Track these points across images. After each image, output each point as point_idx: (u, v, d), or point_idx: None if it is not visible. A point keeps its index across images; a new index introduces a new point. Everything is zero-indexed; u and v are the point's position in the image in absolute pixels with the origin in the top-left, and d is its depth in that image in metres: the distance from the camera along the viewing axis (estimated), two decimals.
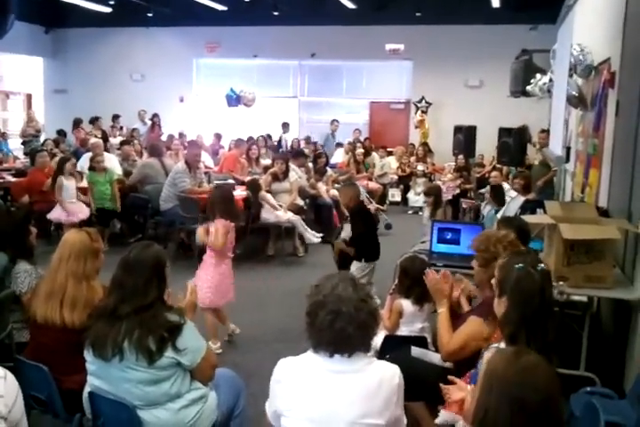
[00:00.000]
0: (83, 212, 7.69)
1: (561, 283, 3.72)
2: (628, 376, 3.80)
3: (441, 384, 2.61)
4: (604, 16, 5.83)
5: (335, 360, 2.16)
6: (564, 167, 8.26)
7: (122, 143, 10.60)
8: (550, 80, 8.18)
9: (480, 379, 2.00)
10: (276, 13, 13.77)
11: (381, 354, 3.54)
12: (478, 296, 3.36)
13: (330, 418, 2.12)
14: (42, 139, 13.38)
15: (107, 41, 15.79)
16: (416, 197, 11.68)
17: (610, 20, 5.43)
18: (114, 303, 2.66)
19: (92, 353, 2.64)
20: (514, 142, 8.35)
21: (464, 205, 9.36)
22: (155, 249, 2.79)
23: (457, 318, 3.27)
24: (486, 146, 11.38)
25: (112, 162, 9.05)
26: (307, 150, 11.46)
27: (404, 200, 12.44)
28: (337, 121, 14.16)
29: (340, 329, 2.11)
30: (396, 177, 12.69)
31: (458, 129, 11.43)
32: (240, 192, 8.17)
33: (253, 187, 7.94)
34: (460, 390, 2.53)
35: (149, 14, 14.43)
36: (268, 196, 7.97)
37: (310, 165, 9.84)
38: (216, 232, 4.75)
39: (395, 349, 3.56)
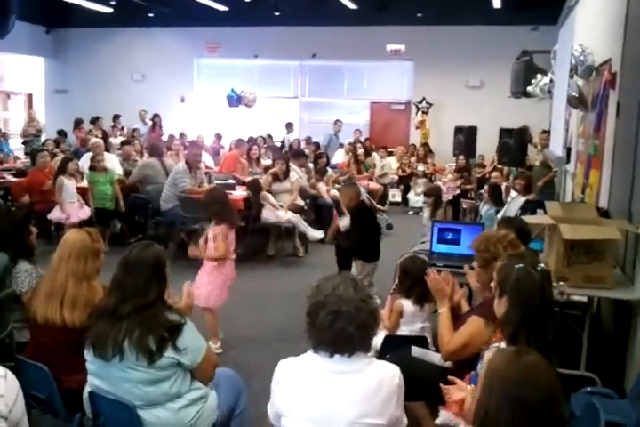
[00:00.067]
0: (83, 211, 7.69)
1: (561, 283, 3.72)
2: (629, 376, 3.80)
3: (441, 384, 2.61)
4: (604, 17, 5.84)
5: (335, 360, 2.16)
6: (564, 168, 8.26)
7: (122, 143, 10.61)
8: (551, 81, 8.19)
9: (481, 379, 2.00)
10: (276, 14, 13.77)
11: (382, 354, 3.54)
12: (479, 296, 3.35)
13: (330, 418, 2.12)
14: (43, 139, 13.38)
15: (108, 41, 15.80)
16: (416, 198, 11.68)
17: (611, 21, 5.43)
18: (114, 303, 2.66)
19: (93, 353, 2.65)
20: (514, 143, 8.35)
21: (464, 206, 9.37)
22: (155, 249, 2.80)
23: (457, 318, 3.27)
24: (487, 146, 11.38)
25: (113, 162, 9.05)
26: (307, 151, 11.47)
27: (405, 201, 12.43)
28: (340, 121, 14.15)
29: (340, 329, 2.11)
30: (396, 177, 12.68)
31: (458, 130, 11.43)
32: (240, 192, 8.18)
33: (254, 187, 7.95)
34: (461, 391, 2.53)
35: (150, 14, 14.44)
36: (270, 196, 7.98)
37: (311, 165, 9.84)
38: (215, 240, 4.76)
39: (395, 349, 3.56)
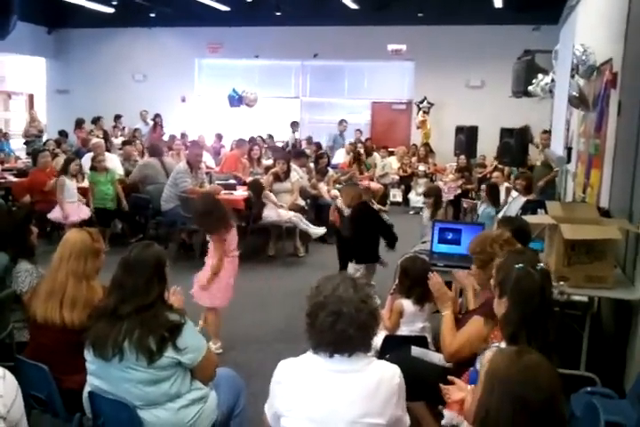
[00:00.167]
0: (83, 212, 7.70)
1: (562, 283, 3.72)
2: (629, 376, 3.79)
3: (441, 385, 2.61)
4: (606, 17, 5.83)
5: (335, 360, 2.16)
6: (565, 168, 8.25)
7: (124, 143, 10.62)
8: (552, 80, 8.19)
9: (482, 378, 2.00)
10: (278, 14, 13.78)
11: (382, 354, 3.54)
12: (480, 297, 3.35)
13: (330, 418, 2.12)
14: (44, 139, 13.40)
15: (109, 41, 15.81)
16: (417, 198, 11.67)
17: (612, 20, 5.43)
18: (114, 303, 2.66)
19: (93, 353, 2.65)
20: (515, 143, 8.33)
21: (465, 205, 9.36)
22: (155, 249, 2.80)
23: (458, 320, 3.27)
24: (488, 146, 11.37)
25: (114, 162, 9.06)
26: (308, 151, 11.46)
27: (406, 200, 12.43)
28: (345, 121, 14.12)
29: (340, 331, 2.11)
30: (397, 177, 12.68)
31: (459, 129, 11.43)
32: (241, 192, 8.18)
33: (255, 187, 7.95)
34: (460, 391, 2.53)
35: (152, 15, 14.45)
36: (272, 195, 7.98)
37: (312, 165, 9.84)
38: (213, 247, 4.81)
39: (395, 349, 3.56)
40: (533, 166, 9.66)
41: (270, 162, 9.95)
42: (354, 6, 13.40)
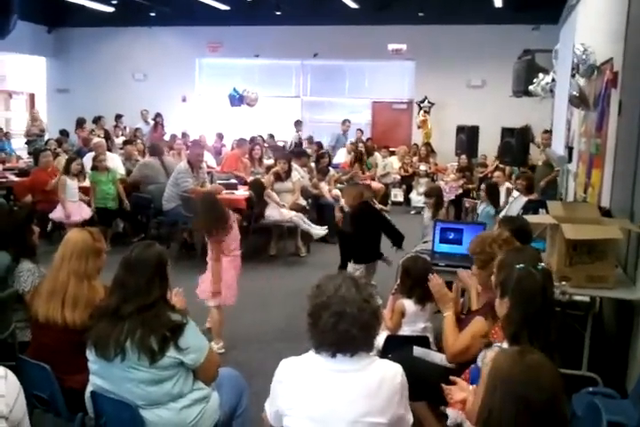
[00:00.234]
0: (84, 211, 7.70)
1: (563, 283, 3.71)
2: (631, 376, 3.79)
3: (443, 385, 2.61)
4: (606, 16, 5.83)
5: (337, 360, 2.16)
6: (566, 167, 8.25)
7: (125, 143, 10.62)
8: (553, 80, 8.19)
9: (484, 378, 2.00)
10: (278, 13, 13.78)
11: (383, 354, 3.54)
12: (481, 298, 3.35)
13: (331, 417, 2.12)
14: (46, 138, 13.39)
15: (109, 40, 15.81)
16: (418, 197, 11.65)
17: (612, 20, 5.43)
18: (116, 303, 2.66)
19: (95, 353, 2.65)
20: (516, 142, 8.34)
21: (467, 205, 9.36)
22: (156, 248, 2.80)
23: (461, 321, 3.27)
24: (489, 146, 11.38)
25: (115, 161, 9.06)
26: (309, 150, 11.46)
27: (407, 200, 12.43)
28: (348, 121, 14.07)
29: (343, 331, 2.11)
30: (398, 177, 12.68)
31: (460, 129, 11.43)
32: (242, 192, 8.18)
33: (257, 187, 7.95)
34: (462, 391, 2.53)
35: (152, 14, 14.45)
36: (274, 194, 7.98)
37: (313, 164, 9.84)
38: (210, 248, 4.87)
39: (397, 349, 3.57)
40: (535, 166, 9.66)
41: (271, 161, 9.95)
42: (354, 6, 13.40)
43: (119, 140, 12.46)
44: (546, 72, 8.85)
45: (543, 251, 4.22)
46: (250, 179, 8.83)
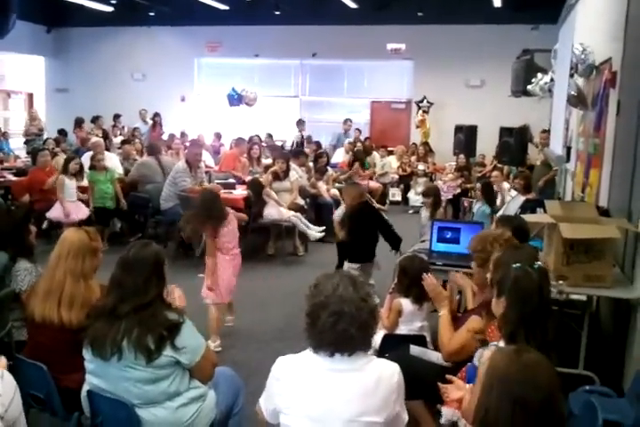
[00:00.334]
0: (82, 211, 7.69)
1: (560, 282, 3.72)
2: (627, 375, 3.80)
3: (439, 383, 2.61)
4: (605, 16, 5.83)
5: (335, 359, 2.16)
6: (564, 167, 8.26)
7: (123, 142, 10.61)
8: (551, 80, 8.19)
9: (481, 377, 2.00)
10: (277, 13, 13.78)
11: (380, 353, 3.54)
12: (478, 296, 3.36)
13: (328, 416, 2.12)
14: (44, 138, 13.39)
15: (108, 40, 15.81)
16: (417, 197, 11.66)
17: (611, 20, 5.43)
18: (113, 302, 2.66)
19: (91, 352, 2.65)
20: (515, 142, 8.35)
21: (465, 204, 9.37)
22: (153, 248, 2.79)
23: (457, 319, 3.28)
24: (487, 145, 11.39)
25: (113, 161, 9.06)
26: (307, 150, 11.45)
27: (405, 200, 12.43)
28: (350, 120, 14.07)
29: (342, 330, 2.11)
30: (396, 176, 12.69)
31: (459, 128, 11.44)
32: (240, 191, 8.18)
33: (255, 186, 7.94)
34: (459, 389, 2.53)
35: (151, 13, 14.46)
36: (273, 193, 7.98)
37: (311, 164, 9.84)
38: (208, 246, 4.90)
39: (394, 347, 3.57)
40: (533, 166, 9.67)
41: (270, 161, 9.95)
42: (353, 5, 13.40)
43: (117, 140, 12.45)
44: (544, 72, 8.86)
45: (541, 250, 4.22)
46: (248, 178, 8.83)
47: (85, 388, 2.75)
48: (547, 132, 9.53)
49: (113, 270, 2.74)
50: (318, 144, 13.02)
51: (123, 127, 14.16)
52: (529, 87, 9.09)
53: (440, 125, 13.84)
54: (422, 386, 2.92)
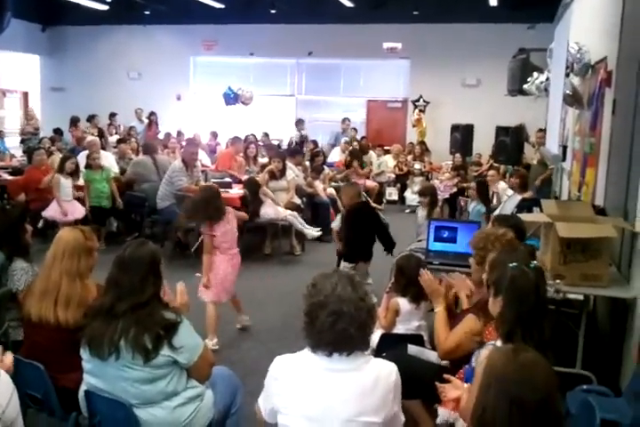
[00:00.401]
0: (78, 211, 7.67)
1: (557, 281, 3.73)
2: (625, 374, 3.81)
3: (437, 383, 2.61)
4: (600, 15, 5.84)
5: (334, 359, 2.16)
6: (560, 166, 8.27)
7: (118, 141, 10.59)
8: (547, 79, 8.19)
9: (478, 376, 2.00)
10: (273, 11, 13.76)
11: (378, 352, 3.54)
12: (475, 294, 3.36)
13: (325, 416, 2.12)
14: (40, 137, 13.35)
15: (103, 39, 15.77)
16: (413, 196, 11.64)
17: (607, 19, 5.44)
18: (110, 302, 2.65)
19: (89, 352, 2.64)
20: (511, 141, 8.36)
21: (462, 203, 9.38)
22: (149, 247, 2.79)
23: (454, 317, 3.28)
24: (483, 145, 11.40)
25: (109, 160, 9.03)
26: (306, 149, 11.44)
27: (402, 199, 12.44)
28: (348, 119, 14.05)
29: (341, 330, 2.11)
30: (393, 176, 12.69)
31: (455, 128, 11.44)
32: (237, 190, 8.17)
33: (252, 185, 7.93)
34: (456, 389, 2.53)
35: (146, 12, 14.42)
36: (270, 191, 7.97)
37: (307, 163, 9.83)
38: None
39: (391, 347, 3.56)
40: (529, 165, 9.68)
41: (266, 160, 9.94)
42: (349, 4, 13.39)
43: (113, 139, 12.43)
44: (540, 71, 8.86)
45: (538, 249, 4.23)
46: (244, 177, 8.82)
47: (83, 388, 2.75)
48: (543, 131, 9.53)
49: (110, 270, 2.73)
50: (315, 143, 13.01)
51: (118, 126, 14.13)
52: (525, 86, 9.10)
53: (436, 124, 13.84)
54: (420, 385, 2.92)
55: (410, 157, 13.08)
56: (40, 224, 7.84)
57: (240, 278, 5.24)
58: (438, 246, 4.81)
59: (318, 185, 9.33)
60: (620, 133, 4.62)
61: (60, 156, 8.84)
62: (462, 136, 11.07)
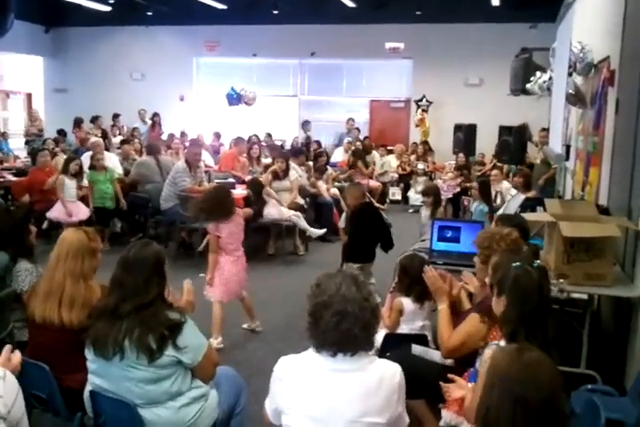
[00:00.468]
0: (82, 212, 7.69)
1: (561, 281, 3.72)
2: (629, 374, 3.80)
3: (441, 383, 2.61)
4: (603, 14, 5.83)
5: (338, 359, 2.16)
6: (564, 165, 8.26)
7: (122, 142, 10.61)
8: (550, 78, 8.18)
9: (483, 375, 2.00)
10: (275, 12, 13.77)
11: (382, 352, 3.54)
12: (479, 293, 3.36)
13: (330, 416, 2.12)
14: (44, 138, 13.38)
15: (106, 40, 15.79)
16: (417, 196, 11.64)
17: (609, 18, 5.43)
18: (114, 302, 2.66)
19: (93, 352, 2.65)
20: (514, 141, 8.35)
21: (465, 203, 9.38)
22: (153, 247, 2.80)
23: (457, 315, 3.27)
24: (486, 144, 11.39)
25: (112, 161, 9.06)
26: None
27: (405, 199, 12.44)
28: (352, 120, 14.05)
29: (346, 330, 2.11)
30: (396, 176, 12.69)
31: (458, 127, 11.43)
32: (240, 191, 8.17)
33: (255, 186, 7.94)
34: (460, 388, 2.53)
35: (149, 13, 14.44)
36: (273, 192, 7.97)
37: (310, 163, 9.83)
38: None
39: (395, 347, 3.56)
40: (532, 164, 9.67)
41: (269, 160, 9.95)
42: (351, 4, 13.39)
43: (116, 140, 12.44)
44: (543, 70, 8.84)
45: (541, 248, 4.23)
46: (247, 178, 8.83)
47: (88, 388, 2.76)
48: (546, 130, 9.52)
49: (114, 270, 2.74)
50: (318, 143, 13.02)
51: (122, 127, 14.16)
52: (528, 86, 9.08)
53: (439, 124, 13.83)
54: (424, 385, 2.91)
55: (413, 157, 13.08)
56: (45, 225, 7.86)
57: None
58: (442, 246, 4.80)
59: (321, 185, 9.33)
60: (623, 133, 4.61)
61: (64, 157, 8.86)
62: (465, 136, 11.06)
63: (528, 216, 4.42)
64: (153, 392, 2.64)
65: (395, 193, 12.62)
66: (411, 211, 11.46)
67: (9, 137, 13.57)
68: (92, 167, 8.16)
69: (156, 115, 14.41)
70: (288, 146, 13.44)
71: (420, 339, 3.77)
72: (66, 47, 16.24)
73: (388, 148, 13.49)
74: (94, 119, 13.27)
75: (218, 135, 13.63)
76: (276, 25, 14.26)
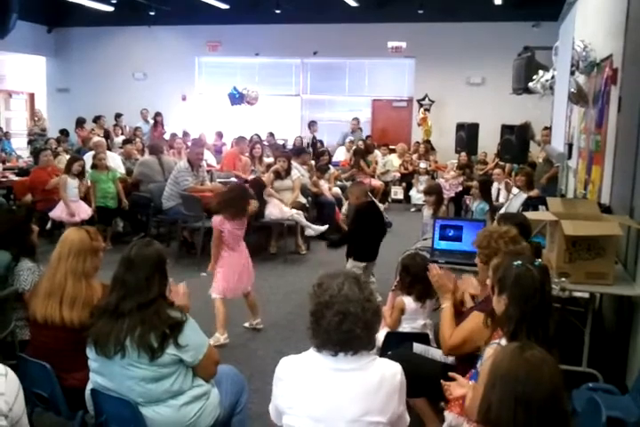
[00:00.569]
0: (84, 211, 7.69)
1: (563, 279, 3.72)
2: (631, 372, 3.80)
3: (442, 381, 2.61)
4: (605, 13, 5.82)
5: (339, 359, 2.16)
6: (566, 164, 8.25)
7: (124, 142, 10.62)
8: (552, 77, 8.17)
9: (484, 374, 1.99)
10: (277, 11, 13.76)
11: (383, 351, 3.54)
12: (481, 293, 3.36)
13: (331, 416, 2.12)
14: (46, 138, 13.40)
15: (109, 40, 15.81)
16: (419, 195, 11.63)
17: (612, 16, 5.42)
18: (116, 301, 2.67)
19: (95, 350, 2.65)
20: (516, 139, 8.31)
21: (467, 202, 9.37)
22: (155, 246, 2.80)
23: (460, 314, 3.27)
24: (489, 143, 11.37)
25: (115, 161, 9.06)
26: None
27: (407, 198, 12.43)
28: (357, 119, 14.06)
29: (348, 330, 2.10)
30: (398, 175, 12.68)
31: (460, 126, 11.39)
32: None
33: (257, 185, 7.93)
34: (461, 387, 2.52)
35: (151, 13, 14.43)
36: (274, 192, 7.97)
37: (312, 162, 9.83)
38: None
39: (397, 345, 3.57)
40: (535, 163, 9.65)
41: (271, 160, 9.95)
42: (354, 4, 13.39)
43: (119, 140, 12.47)
44: (546, 69, 8.82)
45: (543, 247, 4.22)
46: (250, 177, 8.83)
47: (89, 386, 2.77)
48: (548, 129, 9.50)
49: (116, 269, 2.75)
50: (321, 142, 13.02)
51: (124, 127, 14.17)
52: (530, 85, 9.06)
53: (441, 123, 13.82)
54: (425, 384, 2.92)
55: (415, 156, 13.07)
56: (48, 225, 7.89)
57: None
58: (444, 245, 4.81)
59: (323, 184, 9.33)
60: (625, 131, 4.61)
61: (67, 157, 8.88)
62: (467, 135, 11.02)
63: (530, 215, 4.42)
64: (154, 391, 2.64)
65: (397, 192, 12.61)
66: (413, 210, 11.46)
67: (11, 137, 13.59)
68: (94, 167, 8.16)
69: (158, 114, 14.43)
70: (290, 145, 13.45)
71: (422, 338, 3.77)
72: (68, 47, 16.26)
73: (391, 147, 13.48)
74: (97, 119, 13.29)
75: (220, 135, 13.63)
76: (279, 24, 14.26)
